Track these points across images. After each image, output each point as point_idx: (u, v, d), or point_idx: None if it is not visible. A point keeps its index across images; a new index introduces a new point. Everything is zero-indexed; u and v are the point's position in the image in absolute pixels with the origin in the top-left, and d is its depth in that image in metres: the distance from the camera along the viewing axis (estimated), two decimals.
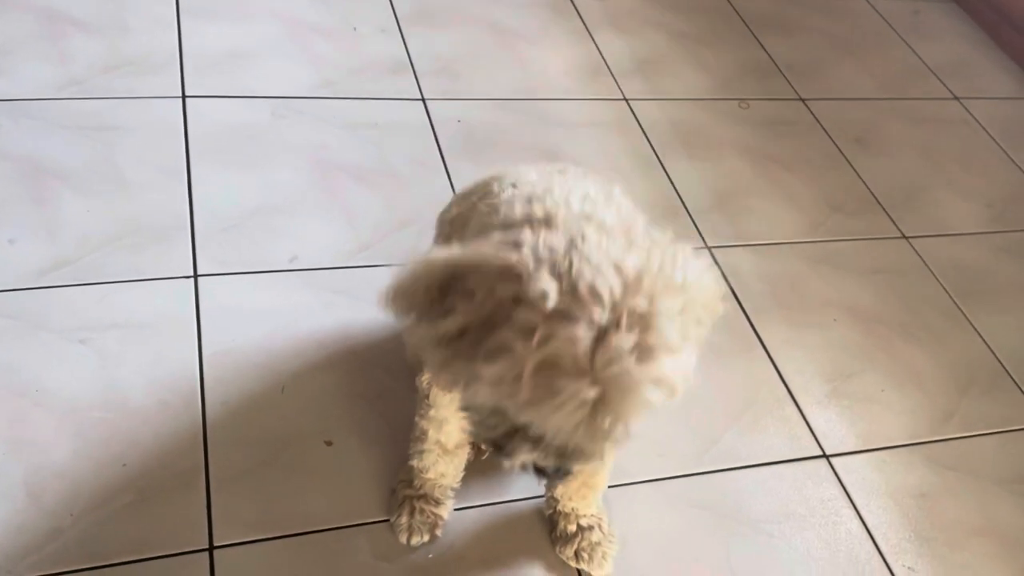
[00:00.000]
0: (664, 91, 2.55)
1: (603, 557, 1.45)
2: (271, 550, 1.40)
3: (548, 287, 0.83)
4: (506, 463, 0.99)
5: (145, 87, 2.12)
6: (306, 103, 2.20)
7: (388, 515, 1.46)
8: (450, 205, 1.40)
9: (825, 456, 1.74)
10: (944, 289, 2.16)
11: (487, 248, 0.89)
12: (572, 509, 1.45)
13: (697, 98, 2.55)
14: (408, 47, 2.44)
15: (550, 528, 1.49)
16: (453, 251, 0.92)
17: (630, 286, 0.84)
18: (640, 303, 0.84)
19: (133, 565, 1.34)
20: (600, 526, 1.46)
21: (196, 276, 1.76)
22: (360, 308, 1.76)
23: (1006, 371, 2.00)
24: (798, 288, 2.07)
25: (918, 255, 2.23)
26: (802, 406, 1.82)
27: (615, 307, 0.83)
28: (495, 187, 1.29)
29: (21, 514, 1.37)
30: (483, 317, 0.87)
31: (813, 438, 1.77)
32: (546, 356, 0.83)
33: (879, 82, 2.81)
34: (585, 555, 1.45)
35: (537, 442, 0.93)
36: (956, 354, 2.01)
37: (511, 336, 0.84)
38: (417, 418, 1.38)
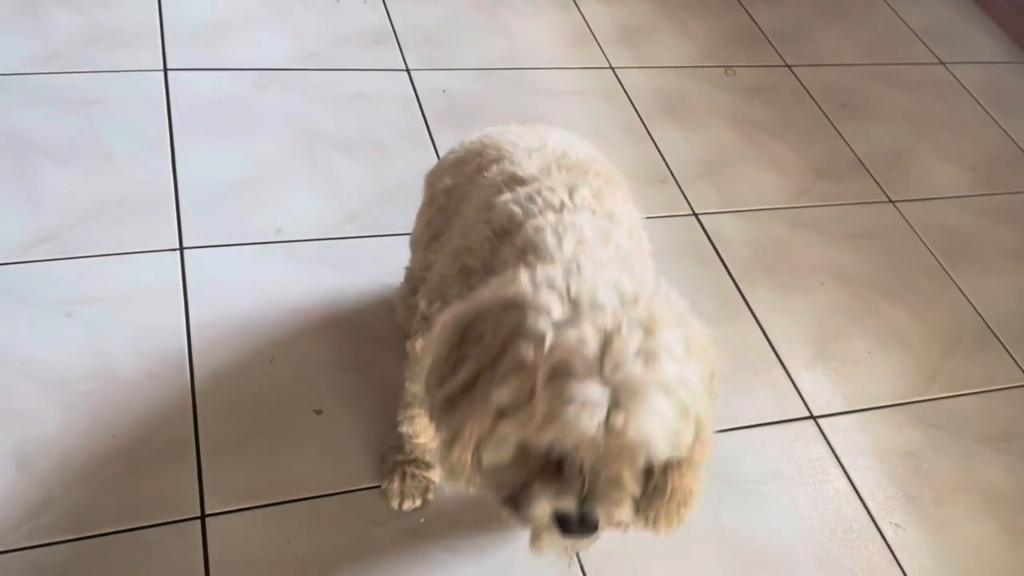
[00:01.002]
0: (650, 59, 2.54)
1: None
2: (263, 517, 1.41)
3: (550, 300, 0.88)
4: (530, 528, 0.98)
5: (126, 60, 2.10)
6: (289, 74, 2.18)
7: (379, 481, 1.47)
8: (441, 172, 1.39)
9: (812, 417, 1.76)
10: (930, 251, 2.17)
11: (488, 293, 0.95)
12: None
13: (683, 66, 2.55)
14: (392, 17, 2.42)
15: None
16: (460, 307, 0.97)
17: (628, 301, 0.88)
18: (640, 313, 0.87)
19: (125, 534, 1.35)
20: None
21: (182, 248, 1.75)
22: (347, 278, 1.76)
23: (991, 331, 2.02)
24: (785, 253, 2.07)
25: (904, 218, 2.24)
26: (789, 368, 1.83)
27: (616, 315, 0.87)
28: (490, 154, 1.29)
29: (11, 486, 1.37)
30: (493, 353, 0.90)
31: (800, 400, 1.78)
32: (556, 363, 0.86)
33: (864, 47, 2.80)
34: None
35: (557, 484, 0.92)
36: (941, 315, 2.03)
37: (522, 350, 0.87)
38: (408, 383, 1.38)
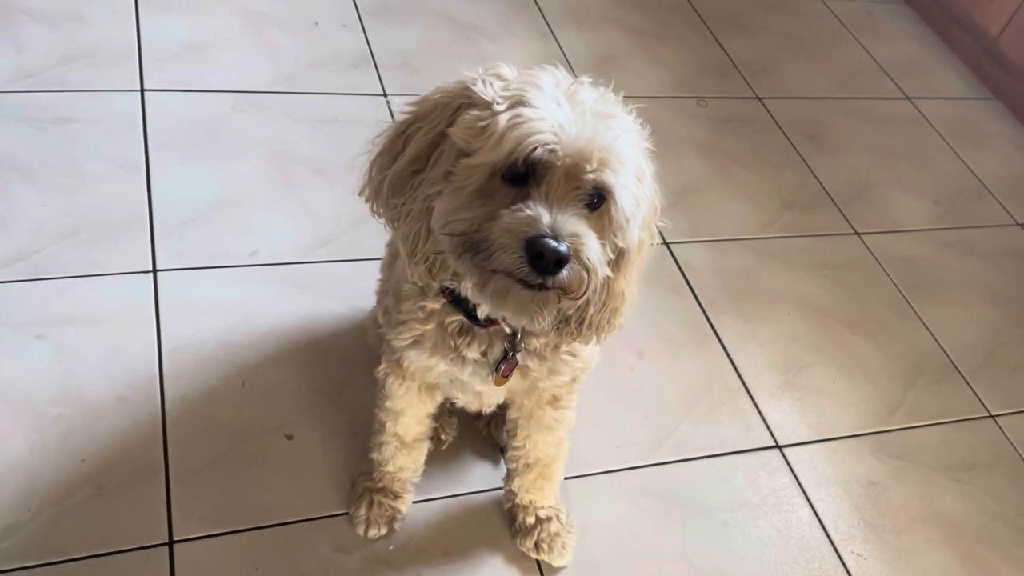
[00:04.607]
0: (624, 88, 2.53)
1: (562, 547, 1.48)
2: (231, 544, 1.41)
3: (504, 70, 0.98)
4: (490, 284, 0.95)
5: (103, 80, 2.10)
6: (266, 97, 2.19)
7: (348, 508, 1.47)
8: None
9: (778, 446, 1.79)
10: (893, 283, 2.22)
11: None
12: (530, 501, 1.47)
13: (656, 96, 2.59)
14: (370, 42, 2.45)
15: (510, 521, 1.51)
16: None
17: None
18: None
19: (92, 560, 1.34)
20: (558, 517, 1.49)
21: (155, 271, 1.75)
22: (321, 302, 1.77)
23: (952, 363, 2.06)
24: (752, 283, 2.11)
25: (868, 250, 2.29)
26: (756, 398, 1.86)
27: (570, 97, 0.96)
28: None
29: None
30: (447, 113, 0.98)
31: (766, 429, 1.81)
32: (515, 94, 0.94)
33: (833, 81, 2.87)
34: (545, 546, 1.47)
35: (522, 206, 0.93)
36: (904, 347, 2.07)
37: (477, 90, 0.96)
38: (376, 410, 1.40)
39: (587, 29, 2.74)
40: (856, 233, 2.34)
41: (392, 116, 2.24)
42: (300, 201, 1.97)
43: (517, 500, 1.48)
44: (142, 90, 2.10)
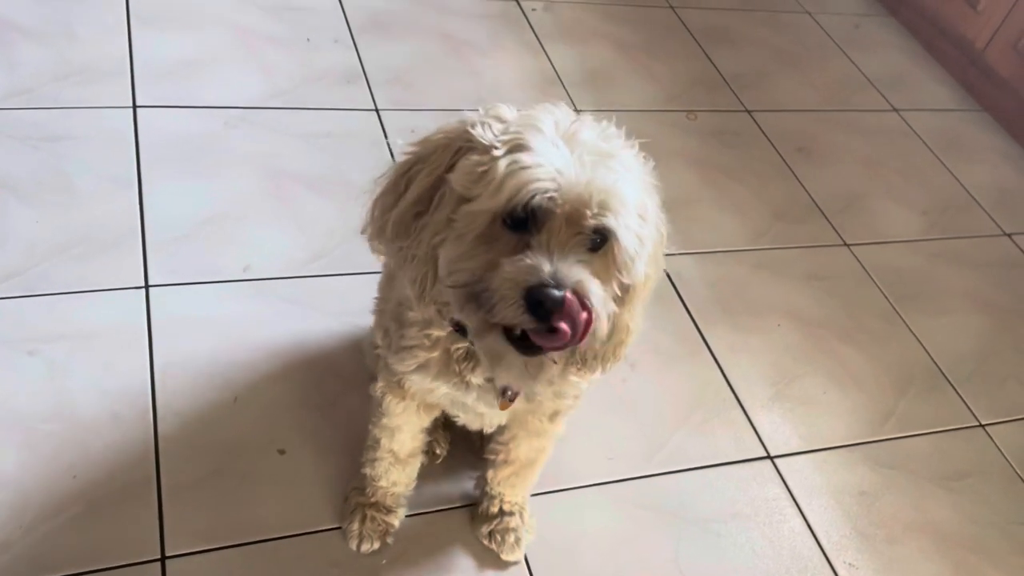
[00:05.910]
0: (614, 102, 2.60)
1: (515, 543, 1.49)
2: (223, 559, 1.40)
3: (494, 124, 0.97)
4: (493, 338, 0.96)
5: (95, 96, 2.11)
6: (259, 113, 2.20)
7: (341, 522, 1.47)
8: None
9: (769, 457, 1.80)
10: (883, 294, 2.24)
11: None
12: (499, 493, 1.48)
13: (646, 109, 2.61)
14: (361, 57, 2.46)
15: (476, 504, 1.52)
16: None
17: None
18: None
19: None
20: (521, 515, 1.50)
21: (147, 286, 1.75)
22: (313, 317, 1.78)
23: (942, 373, 2.08)
24: (743, 294, 2.12)
25: (858, 261, 2.31)
26: (747, 409, 1.87)
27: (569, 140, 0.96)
28: None
29: None
30: (448, 155, 0.98)
31: (758, 439, 1.82)
32: (513, 138, 0.94)
33: (821, 94, 2.89)
34: (498, 537, 1.49)
35: (523, 254, 0.93)
36: (894, 357, 2.08)
37: (476, 134, 0.96)
38: (370, 426, 1.40)
39: (577, 44, 2.76)
40: (845, 244, 2.35)
41: (389, 147, 2.26)
42: (293, 216, 1.97)
43: (487, 488, 1.49)
44: (134, 106, 2.11)
